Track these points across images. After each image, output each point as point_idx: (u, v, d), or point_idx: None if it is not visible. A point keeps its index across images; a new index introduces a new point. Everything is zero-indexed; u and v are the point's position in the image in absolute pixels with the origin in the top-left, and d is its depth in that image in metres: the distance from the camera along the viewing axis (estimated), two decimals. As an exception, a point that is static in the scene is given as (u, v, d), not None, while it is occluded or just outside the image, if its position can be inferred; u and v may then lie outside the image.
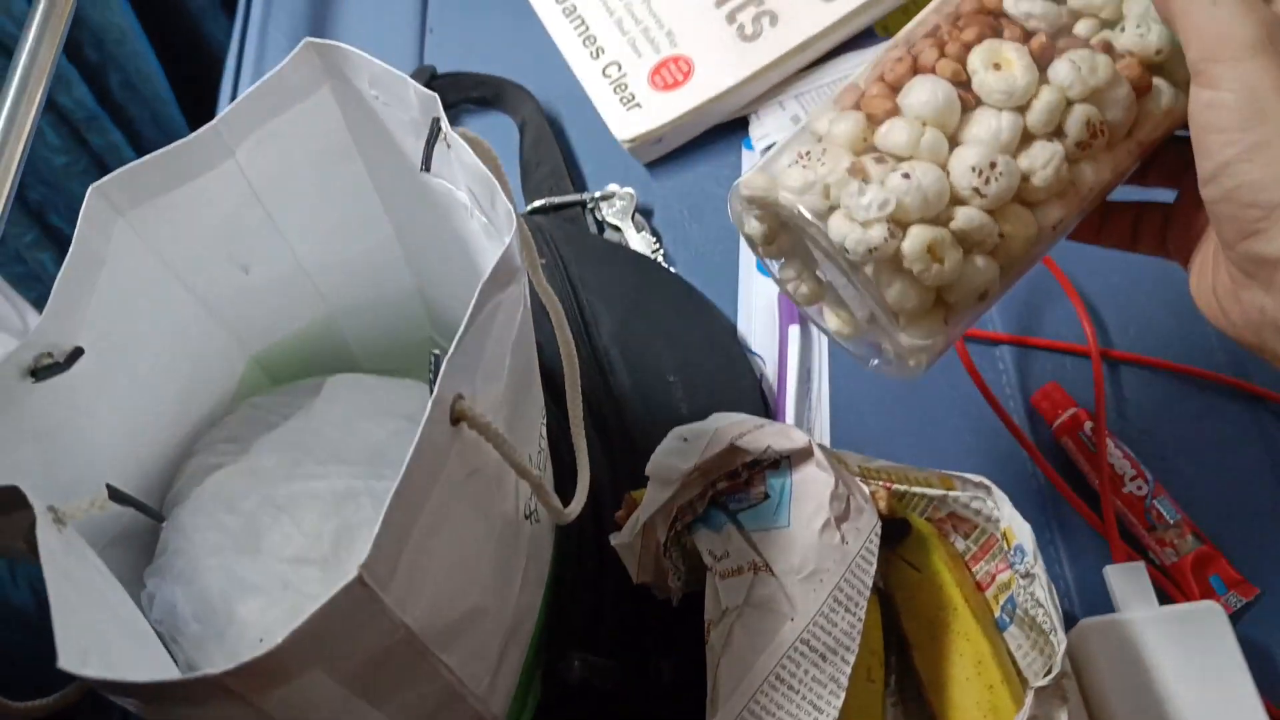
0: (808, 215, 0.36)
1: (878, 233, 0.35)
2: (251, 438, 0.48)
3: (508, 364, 0.37)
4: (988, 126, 0.35)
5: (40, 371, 0.36)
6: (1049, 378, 0.56)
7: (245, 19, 0.78)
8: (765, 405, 0.56)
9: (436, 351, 0.33)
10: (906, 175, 0.35)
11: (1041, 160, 0.36)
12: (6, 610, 0.48)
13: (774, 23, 0.64)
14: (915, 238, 0.35)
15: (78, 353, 0.37)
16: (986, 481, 0.43)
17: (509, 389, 0.37)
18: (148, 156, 0.37)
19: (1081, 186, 0.37)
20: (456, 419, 0.33)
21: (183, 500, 0.44)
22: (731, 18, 0.65)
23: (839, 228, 0.36)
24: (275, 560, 0.42)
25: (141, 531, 0.46)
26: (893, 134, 0.36)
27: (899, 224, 0.35)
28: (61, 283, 0.35)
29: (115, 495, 0.36)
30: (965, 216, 0.35)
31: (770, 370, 0.58)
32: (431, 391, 0.32)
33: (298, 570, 0.43)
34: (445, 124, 0.37)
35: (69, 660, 0.28)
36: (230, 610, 0.40)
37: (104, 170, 0.97)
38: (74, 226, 0.95)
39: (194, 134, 0.38)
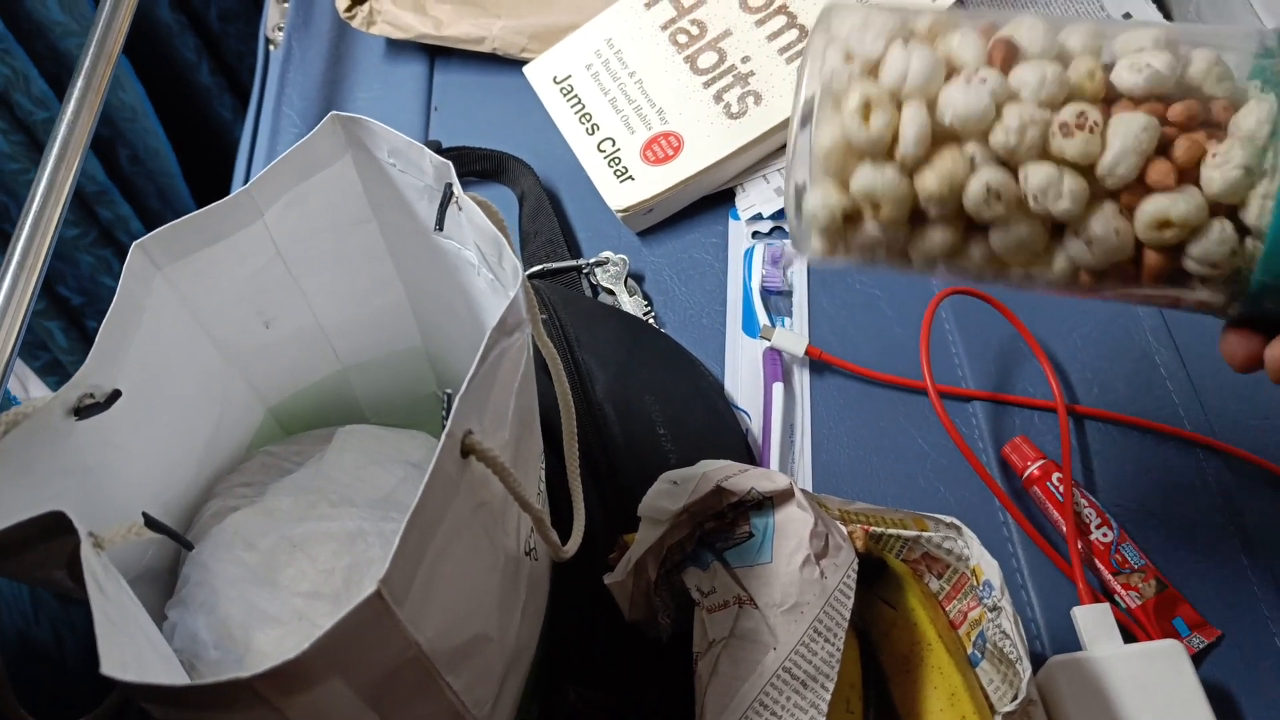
0: None
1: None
2: (267, 482, 0.51)
3: (512, 407, 0.40)
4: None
5: (83, 410, 0.39)
6: (1018, 431, 0.59)
7: (260, 98, 0.82)
8: (751, 457, 0.59)
9: (450, 390, 0.36)
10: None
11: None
12: (30, 646, 0.51)
13: (758, 102, 0.69)
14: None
15: (116, 394, 0.40)
16: (957, 522, 0.47)
17: (512, 431, 0.40)
18: (186, 216, 0.41)
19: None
20: (466, 452, 0.36)
21: (203, 538, 0.47)
22: (719, 97, 0.70)
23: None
24: (291, 594, 0.45)
25: (162, 571, 0.49)
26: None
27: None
28: (105, 329, 0.39)
29: (150, 523, 0.39)
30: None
31: (755, 425, 0.61)
32: (444, 427, 0.35)
33: (312, 604, 0.45)
34: (457, 188, 0.41)
35: (110, 667, 0.31)
36: (249, 639, 0.43)
37: (112, 243, 1.01)
38: (82, 297, 0.98)
39: (228, 197, 0.42)
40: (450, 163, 0.41)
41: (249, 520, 0.48)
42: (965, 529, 0.46)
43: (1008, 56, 0.36)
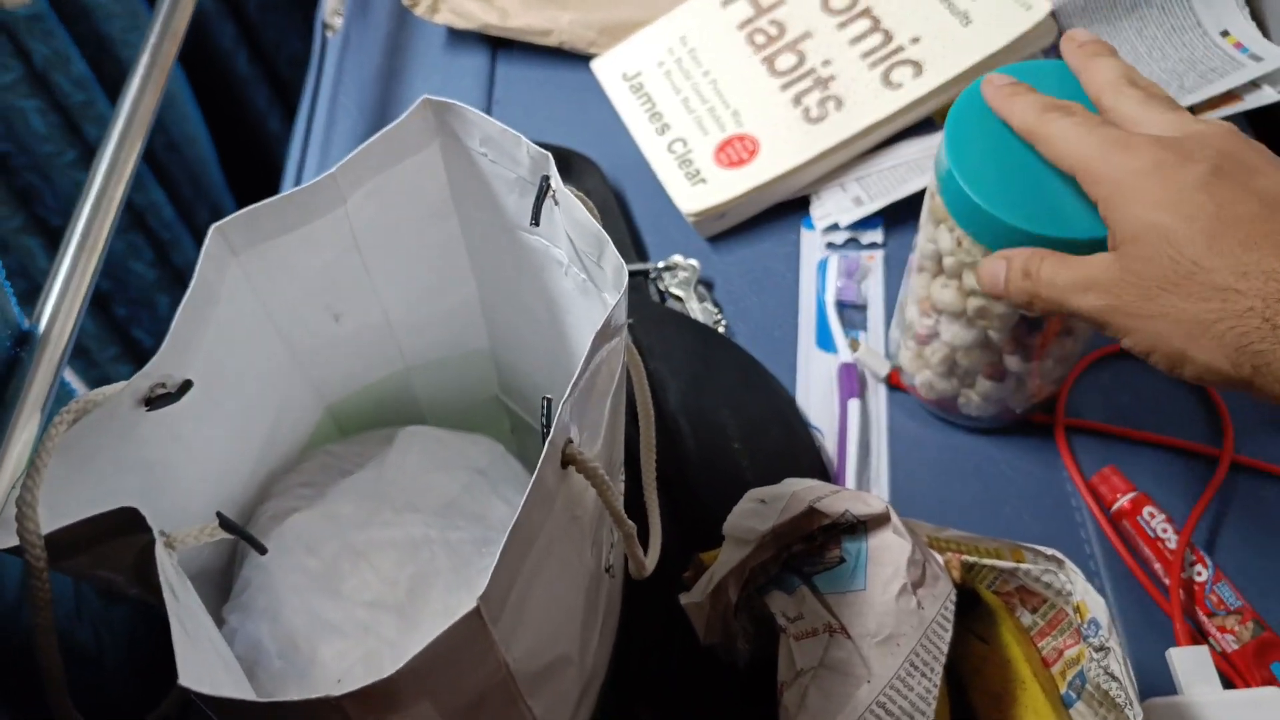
0: None
1: None
2: (327, 484, 0.48)
3: (606, 417, 0.38)
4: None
5: (154, 401, 0.36)
6: (1104, 461, 0.57)
7: (316, 86, 0.80)
8: (827, 477, 0.57)
9: (549, 396, 0.34)
10: None
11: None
12: (72, 647, 0.48)
13: (839, 107, 0.66)
14: None
15: (187, 385, 0.38)
16: (1059, 555, 0.44)
17: (604, 442, 0.38)
18: (268, 200, 0.39)
19: None
20: (566, 462, 0.33)
21: (263, 541, 0.45)
22: (797, 100, 0.67)
23: None
24: (354, 604, 0.43)
25: (214, 572, 0.47)
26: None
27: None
28: (181, 316, 0.37)
29: (225, 524, 0.37)
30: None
31: (828, 443, 0.59)
32: (545, 434, 0.33)
33: (375, 615, 0.43)
34: (556, 181, 0.39)
35: (189, 678, 0.29)
36: (314, 650, 0.40)
37: (142, 228, 0.99)
38: (110, 282, 0.96)
39: (311, 181, 0.39)
40: (549, 154, 0.39)
41: (310, 524, 0.45)
42: (1068, 563, 0.44)
43: None
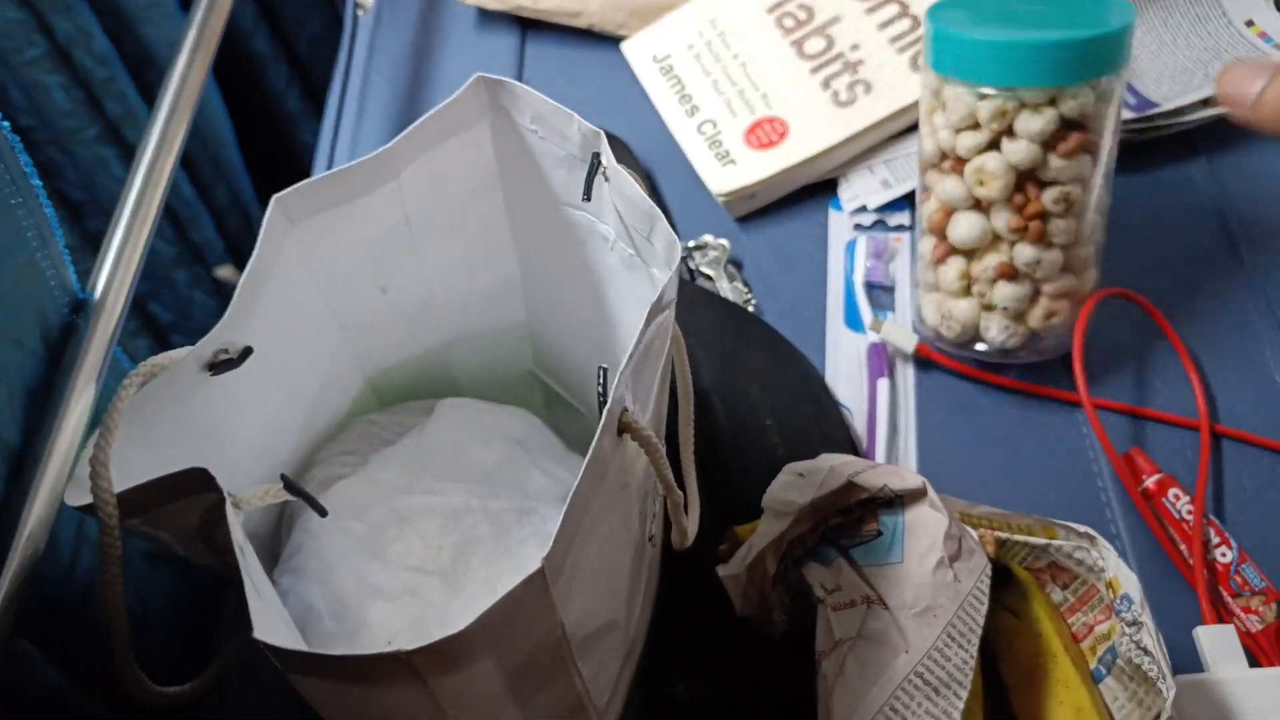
0: None
1: None
2: (369, 452, 0.49)
3: (654, 390, 0.39)
4: None
5: (217, 366, 0.37)
6: (1133, 441, 0.58)
7: (348, 64, 0.81)
8: (857, 454, 0.57)
9: (605, 366, 0.35)
10: None
11: None
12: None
13: (868, 91, 0.67)
14: None
15: (248, 351, 0.38)
16: (1091, 531, 0.45)
17: (653, 412, 0.39)
18: (326, 173, 0.40)
19: None
20: (621, 430, 0.34)
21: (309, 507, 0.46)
22: (827, 84, 0.68)
23: None
24: (400, 569, 0.44)
25: (261, 536, 0.48)
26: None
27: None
28: (244, 284, 0.37)
29: (289, 486, 0.38)
30: None
31: (857, 421, 0.59)
32: (603, 402, 0.33)
33: (420, 579, 0.44)
34: (607, 157, 0.40)
35: (263, 632, 0.30)
36: (363, 612, 0.41)
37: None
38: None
39: (369, 155, 0.40)
40: (601, 131, 0.39)
41: (355, 490, 0.46)
42: (1100, 539, 0.45)
43: None
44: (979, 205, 0.55)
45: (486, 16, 0.81)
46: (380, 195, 0.42)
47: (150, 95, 0.93)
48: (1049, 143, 0.53)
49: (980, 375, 0.60)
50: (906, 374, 0.61)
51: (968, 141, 0.54)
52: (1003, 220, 0.55)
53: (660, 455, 0.35)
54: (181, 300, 1.04)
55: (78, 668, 0.48)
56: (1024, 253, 0.56)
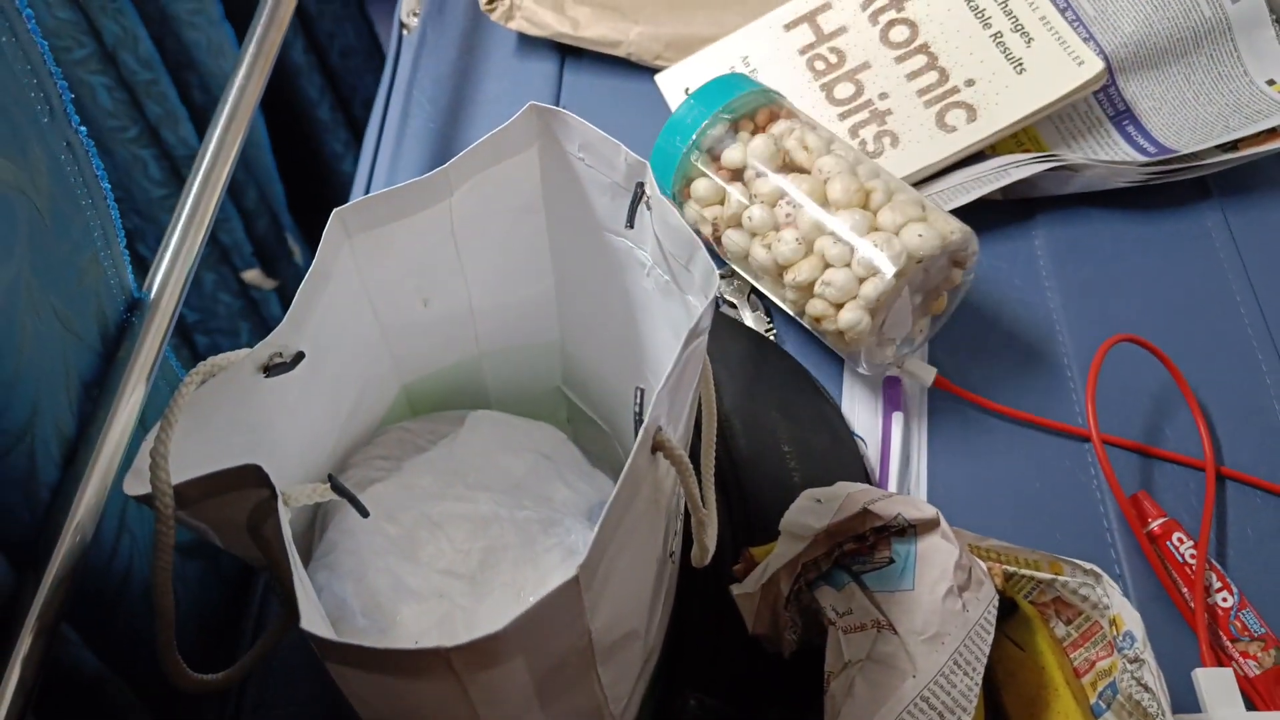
0: None
1: None
2: (403, 458, 0.51)
3: (686, 412, 0.41)
4: None
5: (271, 369, 0.39)
6: (1139, 481, 0.59)
7: (391, 80, 0.83)
8: (869, 483, 0.59)
9: (641, 386, 0.37)
10: None
11: None
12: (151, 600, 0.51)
13: (894, 144, 0.69)
14: None
15: (300, 356, 0.40)
16: (1096, 569, 0.46)
17: (683, 432, 0.41)
18: (383, 190, 0.42)
19: None
20: (655, 448, 0.36)
21: (347, 506, 0.47)
22: (854, 132, 0.70)
23: None
24: (431, 570, 0.45)
25: (297, 532, 0.49)
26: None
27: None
28: (302, 291, 0.39)
29: (335, 487, 0.40)
30: None
31: (870, 452, 0.61)
32: (639, 421, 0.35)
33: (449, 582, 0.46)
34: (651, 187, 0.42)
35: (310, 623, 0.31)
36: (394, 611, 0.43)
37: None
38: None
39: (426, 175, 0.42)
40: (646, 162, 0.41)
41: (390, 493, 0.48)
42: (1105, 576, 0.46)
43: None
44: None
45: (527, 41, 0.83)
46: (432, 213, 0.44)
47: (190, 98, 0.95)
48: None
49: (994, 407, 0.62)
50: (920, 407, 0.63)
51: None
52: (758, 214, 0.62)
53: (690, 474, 0.37)
54: (206, 300, 1.06)
55: (110, 653, 0.50)
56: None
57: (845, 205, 0.59)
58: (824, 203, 0.60)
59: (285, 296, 1.10)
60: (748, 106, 0.64)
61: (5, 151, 0.37)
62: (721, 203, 0.63)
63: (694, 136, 0.63)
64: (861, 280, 0.58)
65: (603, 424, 0.57)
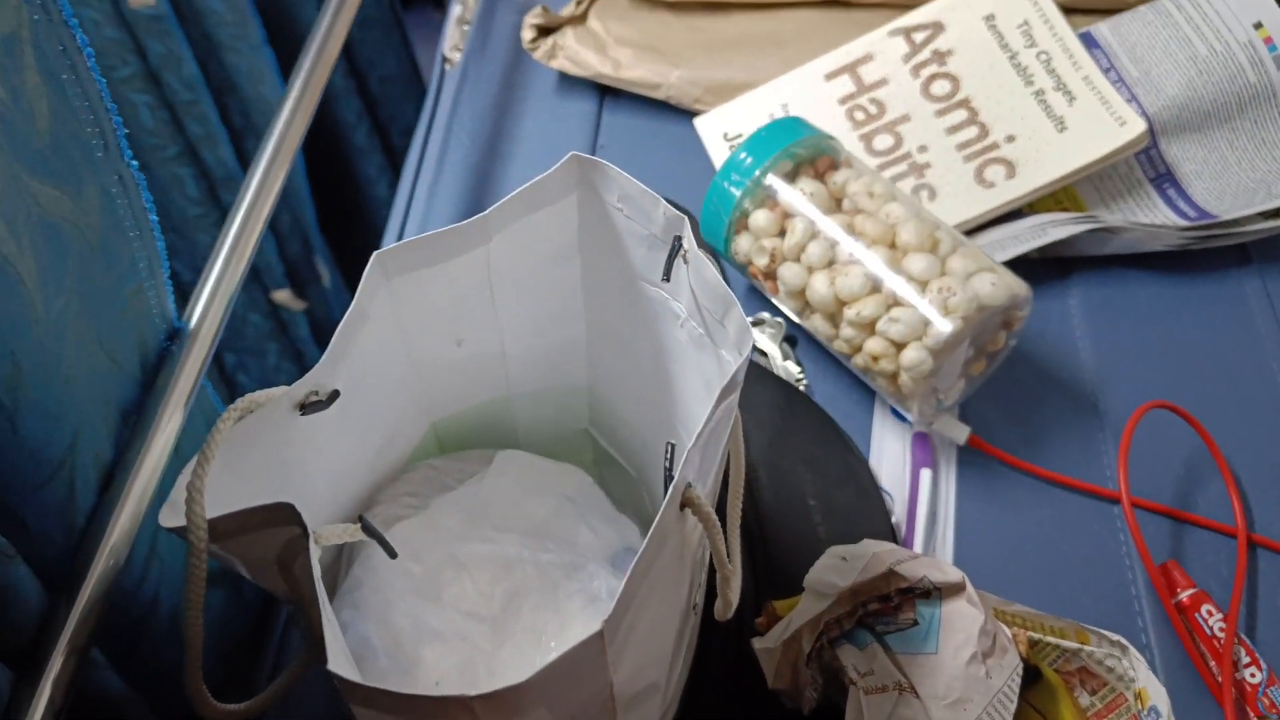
0: None
1: None
2: (430, 495, 0.51)
3: (715, 467, 0.41)
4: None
5: (307, 407, 0.40)
6: (1169, 548, 0.59)
7: (432, 114, 0.84)
8: (895, 541, 0.59)
9: (673, 441, 0.37)
10: None
11: None
12: (179, 630, 0.52)
13: (932, 197, 0.69)
14: None
15: (335, 394, 0.41)
16: (1124, 640, 0.46)
17: (712, 488, 0.41)
18: (423, 235, 0.42)
19: None
20: (684, 504, 0.36)
21: (374, 543, 0.48)
22: (892, 182, 0.70)
23: None
24: (453, 612, 0.46)
25: (323, 567, 0.50)
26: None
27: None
28: (340, 332, 0.40)
29: (366, 528, 0.40)
30: None
31: (897, 508, 0.61)
32: (669, 476, 0.35)
33: (470, 624, 0.46)
34: (689, 241, 0.42)
35: (337, 665, 0.32)
36: (417, 652, 0.43)
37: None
38: (195, 275, 1.01)
39: (465, 222, 0.43)
40: (684, 216, 0.42)
41: (416, 532, 0.48)
42: (1131, 649, 0.46)
43: None
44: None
45: (567, 80, 0.84)
46: (470, 257, 0.45)
47: (230, 120, 0.97)
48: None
49: (1024, 466, 0.62)
50: (950, 464, 0.62)
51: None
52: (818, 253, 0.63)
53: (718, 532, 0.37)
54: (236, 320, 1.07)
55: (133, 675, 0.50)
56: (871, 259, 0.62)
57: (917, 249, 0.59)
58: (891, 246, 0.60)
59: (313, 318, 1.11)
60: (809, 152, 0.64)
61: (60, 185, 0.38)
62: (781, 234, 0.63)
63: (756, 174, 0.63)
64: (928, 323, 0.58)
65: (629, 467, 0.57)
